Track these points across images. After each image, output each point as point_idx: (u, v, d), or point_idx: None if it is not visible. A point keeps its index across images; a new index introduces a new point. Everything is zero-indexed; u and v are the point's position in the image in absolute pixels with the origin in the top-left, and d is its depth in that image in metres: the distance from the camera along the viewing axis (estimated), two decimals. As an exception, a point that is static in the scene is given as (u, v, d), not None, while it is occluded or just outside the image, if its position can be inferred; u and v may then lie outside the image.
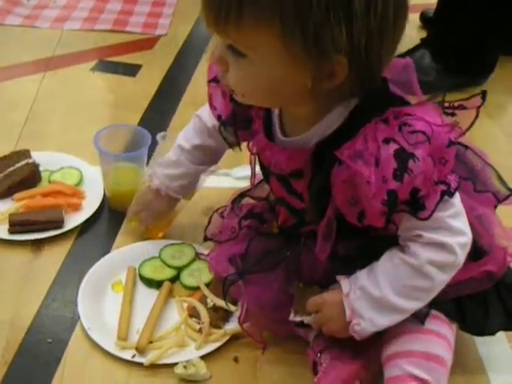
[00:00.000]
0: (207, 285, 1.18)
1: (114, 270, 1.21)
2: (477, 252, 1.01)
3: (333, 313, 1.00)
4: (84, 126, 1.62)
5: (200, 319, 1.12)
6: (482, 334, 1.07)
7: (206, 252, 1.24)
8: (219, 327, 1.12)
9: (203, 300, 1.15)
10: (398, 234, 0.97)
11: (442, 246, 0.94)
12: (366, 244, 1.01)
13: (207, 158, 1.25)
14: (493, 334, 1.06)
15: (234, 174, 1.50)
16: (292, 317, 1.05)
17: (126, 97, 1.80)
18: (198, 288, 1.18)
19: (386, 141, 0.88)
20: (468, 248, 0.96)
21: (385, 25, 0.85)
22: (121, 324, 1.10)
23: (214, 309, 1.13)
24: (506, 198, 1.04)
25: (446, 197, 0.91)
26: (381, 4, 0.83)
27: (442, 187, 0.91)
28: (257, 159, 1.12)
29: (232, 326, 1.12)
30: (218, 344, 1.10)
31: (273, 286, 1.07)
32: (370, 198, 0.89)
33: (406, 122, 0.88)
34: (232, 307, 1.13)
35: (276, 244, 1.11)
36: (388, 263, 0.98)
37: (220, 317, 1.13)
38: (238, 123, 1.11)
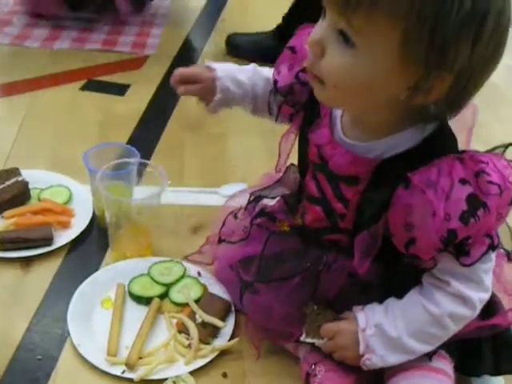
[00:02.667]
0: (196, 301, 1.19)
1: (104, 287, 1.22)
2: (490, 307, 1.02)
3: (347, 343, 1.02)
4: (73, 144, 1.63)
5: (189, 335, 1.12)
6: (471, 375, 1.09)
7: (194, 269, 1.26)
8: (208, 343, 1.12)
9: (192, 316, 1.15)
10: (428, 274, 0.97)
11: (465, 301, 0.96)
12: (388, 275, 1.01)
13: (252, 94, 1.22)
14: (479, 376, 1.08)
15: (221, 192, 1.51)
16: (303, 337, 1.06)
17: (115, 116, 1.81)
18: (186, 304, 1.18)
19: (462, 182, 0.88)
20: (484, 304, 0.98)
21: (495, 54, 0.85)
22: (110, 340, 1.11)
23: (203, 325, 1.14)
24: None
25: (490, 250, 0.92)
26: (499, 36, 0.83)
27: (488, 240, 0.92)
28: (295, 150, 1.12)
29: (221, 341, 1.13)
30: (206, 360, 1.10)
31: (283, 297, 1.07)
32: (430, 230, 0.89)
33: (484, 170, 0.88)
34: (220, 323, 1.14)
35: (292, 245, 1.10)
36: (409, 306, 0.99)
37: (209, 332, 1.14)
38: (289, 99, 1.10)
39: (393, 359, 1.00)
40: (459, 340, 1.02)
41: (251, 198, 1.24)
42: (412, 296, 1.00)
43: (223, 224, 1.24)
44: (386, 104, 0.90)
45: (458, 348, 1.04)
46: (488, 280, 0.97)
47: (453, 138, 0.95)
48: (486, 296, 0.97)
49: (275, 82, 1.12)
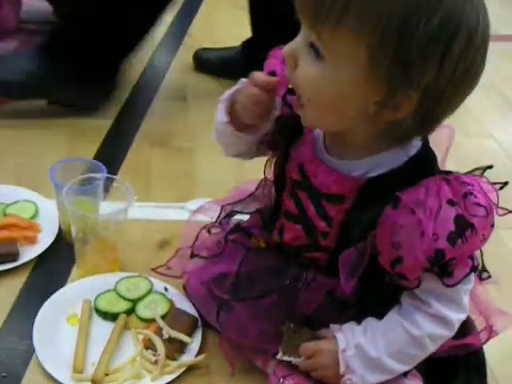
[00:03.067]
0: (163, 317, 1.18)
1: (70, 303, 1.21)
2: (464, 327, 1.03)
3: (327, 362, 1.02)
4: (40, 159, 1.63)
5: (156, 351, 1.12)
6: None
7: (161, 285, 1.26)
8: (175, 359, 1.12)
9: (159, 332, 1.15)
10: (408, 294, 0.98)
11: (444, 322, 0.97)
12: (366, 293, 1.01)
13: None
14: None
15: (188, 207, 1.51)
16: (280, 356, 1.06)
17: (82, 131, 1.80)
18: (153, 320, 1.18)
19: (451, 203, 0.89)
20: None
21: (467, 75, 0.85)
22: (76, 357, 1.10)
23: (170, 340, 1.14)
24: (486, 278, 1.06)
25: (472, 272, 0.94)
26: (471, 56, 0.83)
27: (470, 262, 0.94)
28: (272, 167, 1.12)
29: (188, 357, 1.13)
30: (173, 376, 1.10)
31: (259, 315, 1.07)
32: (418, 249, 0.89)
33: (471, 192, 0.90)
34: (187, 339, 1.14)
35: (269, 261, 1.10)
36: (388, 326, 1.00)
37: (176, 348, 1.13)
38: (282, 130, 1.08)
39: (373, 379, 1.01)
40: (431, 359, 1.03)
41: (223, 214, 1.23)
42: (392, 317, 1.01)
43: (196, 238, 1.23)
44: (360, 121, 0.91)
45: (430, 367, 1.05)
46: (466, 300, 0.98)
47: (435, 159, 0.97)
48: (464, 316, 0.99)
49: None
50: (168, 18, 2.60)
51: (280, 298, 1.07)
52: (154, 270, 1.28)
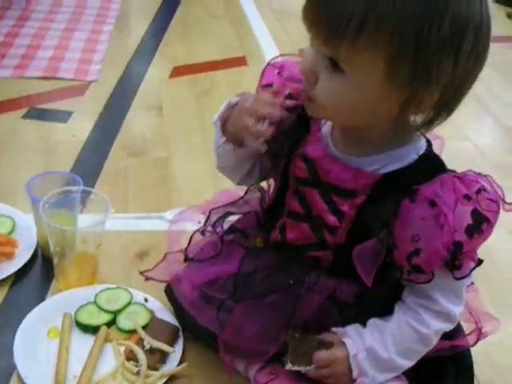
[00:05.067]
0: (144, 327, 1.19)
1: (50, 318, 1.21)
2: (456, 329, 1.06)
3: (342, 370, 1.03)
4: (16, 173, 1.62)
5: (137, 362, 1.12)
6: None
7: (141, 295, 1.26)
8: (157, 369, 1.12)
9: (140, 343, 1.15)
10: (411, 293, 1.01)
11: (449, 317, 1.00)
12: (365, 293, 1.03)
13: None
14: None
15: (166, 217, 1.51)
16: (289, 367, 1.05)
17: (58, 143, 1.80)
18: (134, 331, 1.18)
19: (467, 197, 0.93)
20: None
21: (478, 63, 0.90)
22: (58, 370, 1.10)
23: (151, 351, 1.14)
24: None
25: (477, 266, 0.97)
26: (480, 46, 0.88)
27: (476, 256, 0.97)
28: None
29: (169, 367, 1.14)
30: (156, 386, 1.10)
31: (259, 316, 1.07)
32: (437, 241, 0.92)
33: (484, 188, 0.94)
34: (169, 349, 1.14)
35: (268, 261, 1.10)
36: (397, 327, 1.02)
37: (157, 359, 1.14)
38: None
39: (382, 378, 1.03)
40: (419, 360, 1.05)
41: (215, 217, 1.23)
42: (399, 317, 1.02)
43: (190, 241, 1.23)
44: (382, 119, 0.94)
45: (419, 369, 1.06)
46: (465, 295, 1.02)
47: (441, 159, 1.00)
48: (462, 309, 1.02)
49: None
50: (142, 27, 2.61)
51: (281, 298, 1.07)
52: (141, 273, 1.27)
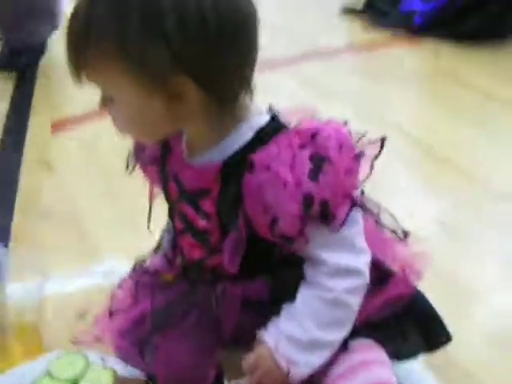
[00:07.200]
0: (110, 389, 1.11)
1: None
2: (382, 276, 1.04)
3: (271, 365, 0.99)
4: None
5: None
6: (400, 358, 1.08)
7: (96, 355, 1.17)
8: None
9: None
10: (306, 267, 0.98)
11: (349, 271, 0.97)
12: (277, 287, 1.01)
13: None
14: (412, 357, 1.09)
15: (94, 269, 1.45)
16: None
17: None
18: (102, 397, 1.11)
19: (302, 146, 0.91)
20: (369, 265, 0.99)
21: (219, 40, 0.88)
22: None
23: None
24: (404, 237, 1.07)
25: (352, 208, 0.95)
26: (210, 18, 0.86)
27: (348, 200, 0.94)
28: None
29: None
30: None
31: (184, 345, 1.05)
32: (286, 201, 0.90)
33: (318, 131, 0.92)
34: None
35: (180, 292, 1.09)
36: (306, 304, 0.98)
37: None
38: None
39: (316, 360, 0.99)
40: (374, 323, 1.03)
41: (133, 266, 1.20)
42: (303, 293, 0.99)
43: (111, 299, 1.18)
44: (172, 119, 0.94)
45: (377, 333, 1.04)
46: (362, 242, 0.98)
47: (287, 126, 0.98)
48: (367, 257, 0.99)
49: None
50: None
51: (199, 319, 1.06)
52: (73, 342, 1.19)
